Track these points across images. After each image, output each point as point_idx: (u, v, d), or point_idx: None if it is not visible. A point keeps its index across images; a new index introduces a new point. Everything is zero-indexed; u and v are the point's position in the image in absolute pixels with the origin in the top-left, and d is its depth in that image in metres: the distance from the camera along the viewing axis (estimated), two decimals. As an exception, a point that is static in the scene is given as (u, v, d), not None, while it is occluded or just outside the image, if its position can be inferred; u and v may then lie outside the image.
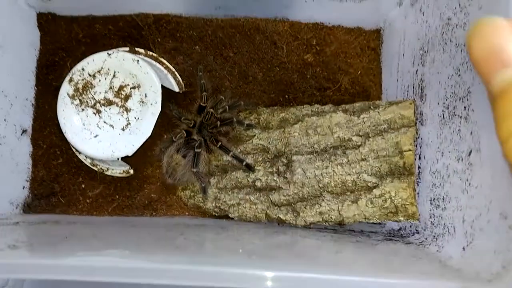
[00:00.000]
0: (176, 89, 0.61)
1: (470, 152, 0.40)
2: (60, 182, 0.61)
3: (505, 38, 0.24)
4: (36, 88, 0.63)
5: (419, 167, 0.52)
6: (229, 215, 0.58)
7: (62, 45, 0.64)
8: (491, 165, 0.37)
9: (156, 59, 0.61)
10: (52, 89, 0.63)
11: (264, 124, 0.59)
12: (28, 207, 0.60)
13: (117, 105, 0.58)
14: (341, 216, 0.52)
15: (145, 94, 0.57)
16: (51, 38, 0.64)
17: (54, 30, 0.64)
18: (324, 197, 0.54)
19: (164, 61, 0.61)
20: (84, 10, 0.63)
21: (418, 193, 0.51)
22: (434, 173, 0.47)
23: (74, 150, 0.60)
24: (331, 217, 0.53)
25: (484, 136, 0.38)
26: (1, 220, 0.53)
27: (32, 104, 0.62)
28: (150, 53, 0.61)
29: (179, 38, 0.63)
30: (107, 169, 0.60)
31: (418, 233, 0.51)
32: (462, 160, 0.42)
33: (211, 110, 0.58)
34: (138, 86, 0.58)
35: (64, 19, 0.64)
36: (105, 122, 0.57)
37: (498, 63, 0.24)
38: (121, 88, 0.58)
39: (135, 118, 0.57)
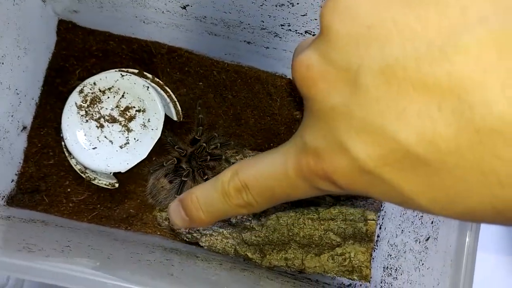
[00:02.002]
0: (175, 118, 0.66)
1: (428, 238, 0.48)
2: (47, 181, 0.64)
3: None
4: (42, 88, 0.66)
5: (378, 236, 0.59)
6: (200, 243, 0.63)
7: (75, 53, 0.67)
8: (444, 255, 0.44)
9: (161, 87, 0.65)
10: (57, 92, 0.66)
11: (248, 167, 0.65)
12: (12, 200, 0.63)
13: (120, 124, 0.62)
14: (304, 265, 0.59)
15: (148, 119, 0.62)
16: (66, 45, 0.67)
17: (70, 38, 0.67)
18: (291, 245, 0.60)
19: (168, 90, 0.66)
20: (103, 25, 0.67)
21: (373, 258, 0.58)
22: (392, 245, 0.55)
23: (66, 154, 0.64)
24: (294, 264, 0.59)
25: (443, 229, 0.46)
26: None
27: (36, 103, 0.65)
28: (157, 79, 0.66)
29: (186, 72, 0.68)
30: (95, 178, 0.64)
31: (367, 293, 0.58)
32: (419, 242, 0.49)
33: (204, 144, 0.63)
34: (144, 111, 0.62)
35: (82, 30, 0.68)
36: (105, 137, 0.62)
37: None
38: (127, 108, 0.62)
39: (134, 139, 0.62)
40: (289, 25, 0.55)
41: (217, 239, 0.63)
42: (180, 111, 0.66)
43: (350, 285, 0.61)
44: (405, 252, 0.51)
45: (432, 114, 0.22)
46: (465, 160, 0.22)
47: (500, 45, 0.20)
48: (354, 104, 0.25)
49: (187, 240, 0.64)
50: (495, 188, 0.22)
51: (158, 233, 0.66)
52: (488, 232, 0.65)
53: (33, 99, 0.64)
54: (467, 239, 0.41)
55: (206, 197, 0.37)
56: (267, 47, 0.62)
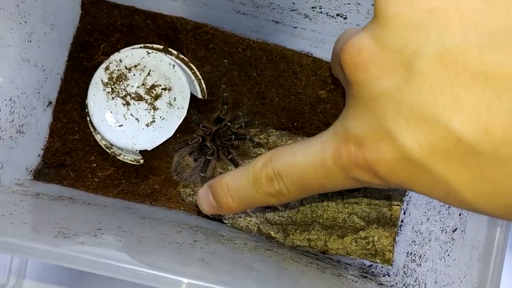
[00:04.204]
0: (200, 95, 0.65)
1: (455, 229, 0.48)
2: (73, 156, 0.65)
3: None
4: (67, 63, 0.66)
5: (402, 221, 0.59)
6: (223, 220, 0.64)
7: (99, 28, 0.67)
8: (471, 248, 0.45)
9: (186, 63, 0.65)
10: (82, 67, 0.66)
11: (271, 146, 0.65)
12: (38, 174, 0.64)
13: (146, 102, 0.62)
14: (327, 246, 0.60)
15: (174, 98, 0.62)
16: (91, 19, 0.67)
17: (94, 12, 0.67)
18: (315, 226, 0.60)
19: (193, 67, 0.65)
20: (128, 0, 0.66)
21: (396, 243, 0.58)
22: (416, 232, 0.55)
23: (92, 129, 0.64)
24: (317, 245, 0.60)
25: (472, 222, 0.46)
26: (19, 187, 0.57)
27: (61, 78, 0.65)
28: (182, 56, 0.65)
29: (211, 49, 0.67)
30: (120, 154, 0.64)
31: (388, 276, 0.59)
32: (446, 232, 0.49)
33: (229, 123, 0.63)
34: (169, 89, 0.62)
35: (106, 4, 0.67)
36: (131, 114, 0.62)
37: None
38: (153, 86, 0.62)
39: (160, 117, 0.62)
40: (320, 8, 0.54)
41: (240, 217, 0.64)
42: (205, 89, 0.66)
43: (371, 265, 0.62)
44: (430, 240, 0.52)
45: (490, 103, 0.22)
46: None
47: None
48: (407, 89, 0.25)
49: (210, 216, 0.65)
50: None
51: (182, 208, 0.67)
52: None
53: (58, 74, 0.64)
54: (497, 235, 0.42)
55: (236, 184, 0.37)
56: (295, 27, 0.61)
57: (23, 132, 0.58)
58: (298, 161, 0.32)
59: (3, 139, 0.55)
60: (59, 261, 0.37)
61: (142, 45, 0.64)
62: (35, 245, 0.38)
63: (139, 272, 0.37)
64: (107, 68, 0.61)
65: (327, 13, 0.55)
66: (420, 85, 0.24)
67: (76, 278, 0.64)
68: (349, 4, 0.52)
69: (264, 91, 0.68)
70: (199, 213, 0.66)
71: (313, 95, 0.69)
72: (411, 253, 0.55)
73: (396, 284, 0.56)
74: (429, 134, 0.24)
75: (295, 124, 0.69)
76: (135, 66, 0.62)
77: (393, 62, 0.25)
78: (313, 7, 0.55)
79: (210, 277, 0.38)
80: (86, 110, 0.64)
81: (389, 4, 0.26)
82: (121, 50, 0.63)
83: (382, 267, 0.60)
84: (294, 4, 0.55)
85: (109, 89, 0.61)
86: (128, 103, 0.62)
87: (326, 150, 0.30)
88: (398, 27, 0.25)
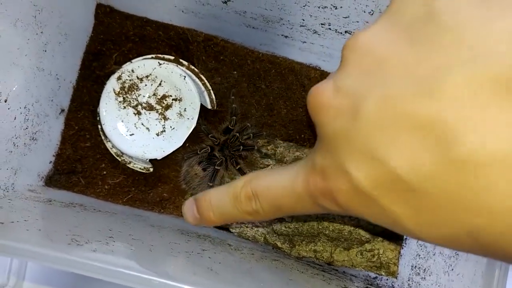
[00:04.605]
0: (209, 106, 0.67)
1: (460, 244, 0.49)
2: (84, 163, 0.66)
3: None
4: (79, 72, 0.67)
5: (407, 234, 0.60)
6: (230, 229, 0.65)
7: (112, 38, 0.68)
8: (475, 264, 0.46)
9: (196, 75, 0.66)
10: (94, 76, 0.67)
11: (279, 157, 0.66)
12: (49, 180, 0.65)
13: (157, 112, 0.63)
14: (332, 258, 0.61)
15: (185, 109, 0.63)
16: (104, 28, 0.68)
17: (107, 22, 0.68)
18: (321, 238, 0.61)
19: (203, 78, 0.66)
20: (141, 11, 0.67)
21: (401, 256, 0.59)
22: (421, 246, 0.56)
23: (103, 137, 0.66)
24: (323, 256, 0.61)
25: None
26: (32, 193, 0.58)
27: (73, 86, 0.66)
28: (192, 67, 0.66)
29: (221, 60, 0.68)
30: (130, 162, 0.66)
31: (393, 288, 0.60)
32: (450, 247, 0.50)
33: (237, 134, 0.65)
34: (180, 100, 0.63)
35: (119, 14, 0.68)
36: (142, 124, 0.63)
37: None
38: (164, 97, 0.63)
39: (170, 127, 0.63)
40: (329, 25, 0.56)
41: (247, 227, 0.65)
42: (214, 100, 0.67)
43: (376, 278, 0.63)
44: (434, 255, 0.53)
45: (418, 144, 0.24)
46: (443, 188, 0.24)
47: (474, 87, 0.23)
48: (355, 129, 0.27)
49: (217, 225, 0.66)
50: (470, 216, 0.24)
51: (190, 217, 0.68)
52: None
53: (71, 82, 0.66)
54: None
55: (218, 200, 0.41)
56: (304, 42, 0.62)
57: (36, 139, 0.60)
58: (274, 185, 0.36)
59: (17, 146, 0.56)
60: (74, 269, 0.38)
61: (153, 56, 0.65)
62: (51, 252, 0.39)
63: (153, 281, 0.38)
64: (119, 78, 0.63)
65: (336, 29, 0.56)
66: (366, 126, 0.27)
67: (76, 280, 0.65)
68: (357, 22, 0.53)
69: (273, 103, 0.69)
70: (207, 221, 0.67)
71: (320, 107, 0.70)
72: (415, 266, 0.56)
73: (400, 296, 0.57)
74: (373, 169, 0.27)
75: (302, 136, 0.70)
76: (147, 76, 0.63)
77: (345, 104, 0.28)
78: (322, 24, 0.56)
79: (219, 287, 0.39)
80: (98, 118, 0.65)
81: (350, 54, 0.29)
82: (133, 60, 0.64)
83: (387, 279, 0.61)
84: (303, 20, 0.56)
85: (121, 99, 0.63)
86: (139, 113, 0.63)
87: (298, 178, 0.34)
88: (354, 73, 0.29)
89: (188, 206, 0.44)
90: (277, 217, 0.40)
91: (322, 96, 0.30)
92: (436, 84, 0.24)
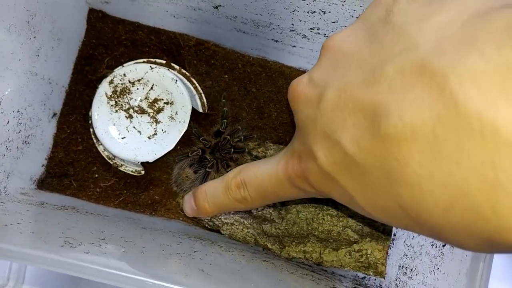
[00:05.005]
0: (200, 109, 0.67)
1: (445, 244, 0.50)
2: (76, 167, 0.67)
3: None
4: (72, 76, 0.68)
5: (394, 235, 0.61)
6: (221, 231, 0.66)
7: (104, 42, 0.69)
8: (459, 263, 0.47)
9: (188, 78, 0.67)
10: (86, 80, 0.68)
11: (269, 160, 0.67)
12: (41, 183, 0.65)
13: (149, 115, 0.64)
14: (321, 258, 0.62)
15: (176, 112, 0.64)
16: (96, 33, 0.69)
17: (99, 27, 0.69)
18: (310, 238, 0.62)
19: (195, 82, 0.67)
20: (132, 16, 0.68)
21: (389, 256, 0.61)
22: (408, 246, 0.57)
23: (95, 141, 0.66)
24: (312, 257, 0.62)
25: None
26: (24, 196, 0.59)
27: (66, 90, 0.67)
28: (184, 71, 0.67)
29: (212, 64, 0.69)
30: (121, 165, 0.66)
31: (381, 288, 0.61)
32: (436, 247, 0.52)
33: (228, 137, 0.65)
34: (172, 103, 0.64)
35: (111, 19, 0.69)
36: (134, 127, 0.64)
37: None
38: (155, 100, 0.64)
39: (162, 130, 0.64)
40: (318, 29, 0.57)
41: (238, 228, 0.66)
42: (206, 103, 0.68)
43: (364, 278, 0.64)
44: (421, 254, 0.54)
45: (360, 123, 0.28)
46: (378, 161, 0.27)
47: (400, 75, 0.26)
48: (318, 113, 0.31)
49: (208, 227, 0.67)
50: (396, 187, 0.26)
51: (181, 218, 0.68)
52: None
53: (63, 86, 0.66)
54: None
55: (213, 190, 0.46)
56: (294, 46, 0.63)
57: (28, 142, 0.60)
58: (260, 173, 0.40)
59: (10, 149, 0.56)
60: (67, 270, 0.39)
61: (145, 60, 0.66)
62: (44, 254, 0.39)
63: (146, 282, 0.39)
64: (111, 82, 0.63)
65: (325, 34, 0.57)
66: (325, 110, 0.31)
67: (73, 283, 0.65)
68: (345, 26, 0.54)
69: (263, 106, 0.70)
70: (198, 223, 0.68)
71: (310, 110, 0.71)
72: (403, 266, 0.57)
73: (388, 296, 0.58)
74: (331, 148, 0.30)
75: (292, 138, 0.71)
76: (139, 80, 0.64)
77: (315, 93, 0.32)
78: (311, 28, 0.57)
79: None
80: (90, 122, 0.65)
81: (323, 50, 0.34)
82: (125, 65, 0.65)
83: (375, 279, 0.62)
84: (293, 25, 0.57)
85: (113, 102, 0.63)
86: (131, 116, 0.64)
87: (280, 164, 0.38)
88: (325, 68, 0.33)
89: (187, 199, 0.48)
90: (265, 204, 0.44)
91: (297, 87, 0.35)
92: (377, 73, 0.28)
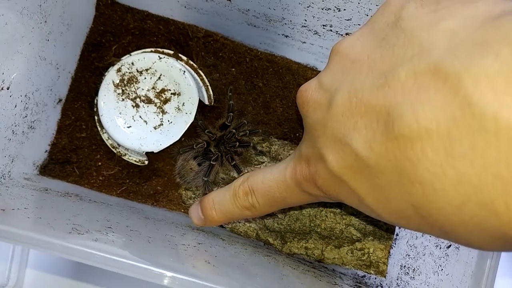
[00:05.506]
0: (206, 102, 0.67)
1: (450, 246, 0.51)
2: (79, 154, 0.66)
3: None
4: (78, 62, 0.67)
5: (397, 235, 0.62)
6: (223, 224, 0.66)
7: (112, 30, 0.68)
8: (464, 265, 0.47)
9: (195, 70, 0.67)
10: (92, 67, 0.67)
11: (274, 155, 0.67)
12: (44, 169, 0.65)
13: (155, 105, 0.64)
14: (323, 255, 0.62)
15: (183, 103, 0.64)
16: (104, 20, 0.68)
17: (108, 14, 0.68)
18: (312, 235, 0.63)
19: (202, 74, 0.67)
20: (142, 4, 0.67)
21: (390, 255, 0.61)
22: (411, 246, 0.58)
23: (99, 129, 0.66)
24: (314, 254, 0.62)
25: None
26: (27, 181, 0.58)
27: (72, 76, 0.66)
28: (191, 62, 0.67)
29: (220, 57, 0.69)
30: (125, 154, 0.66)
31: (381, 287, 0.61)
32: (440, 248, 0.52)
33: (233, 130, 0.65)
34: (179, 94, 0.64)
35: (120, 7, 0.68)
36: (140, 116, 0.63)
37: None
38: (162, 91, 0.64)
39: (168, 121, 0.64)
40: (331, 26, 0.57)
41: (240, 222, 0.65)
42: (212, 96, 0.68)
43: (364, 276, 0.64)
44: (424, 255, 0.54)
45: (373, 126, 0.28)
46: (391, 162, 0.27)
47: (413, 78, 0.27)
48: (328, 117, 0.32)
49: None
50: (409, 186, 0.27)
51: (182, 210, 0.68)
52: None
53: (69, 72, 0.66)
54: (490, 253, 0.44)
55: (220, 199, 0.46)
56: (304, 42, 0.63)
57: (34, 127, 0.60)
58: (268, 179, 0.40)
59: (16, 133, 0.56)
60: (77, 258, 0.39)
61: (153, 49, 0.66)
62: (54, 240, 0.39)
63: (155, 272, 0.38)
64: (119, 70, 0.63)
65: (337, 31, 0.57)
66: (336, 114, 0.31)
67: (77, 270, 0.65)
68: (359, 25, 0.54)
69: (269, 101, 0.70)
70: (199, 216, 0.68)
71: (315, 107, 0.71)
72: (405, 266, 0.58)
73: (389, 295, 0.58)
74: (341, 152, 0.31)
75: (297, 134, 0.71)
76: (147, 69, 0.63)
77: (324, 98, 0.33)
78: (323, 25, 0.57)
79: (220, 280, 0.40)
80: (95, 109, 0.65)
81: (332, 53, 0.34)
82: (133, 53, 0.65)
83: (375, 278, 0.63)
84: (305, 21, 0.57)
85: (119, 91, 0.63)
86: (137, 105, 0.63)
87: (287, 169, 0.38)
88: (334, 72, 0.33)
89: (194, 208, 0.49)
90: (272, 211, 0.43)
91: (306, 92, 0.35)
92: (389, 77, 0.28)
